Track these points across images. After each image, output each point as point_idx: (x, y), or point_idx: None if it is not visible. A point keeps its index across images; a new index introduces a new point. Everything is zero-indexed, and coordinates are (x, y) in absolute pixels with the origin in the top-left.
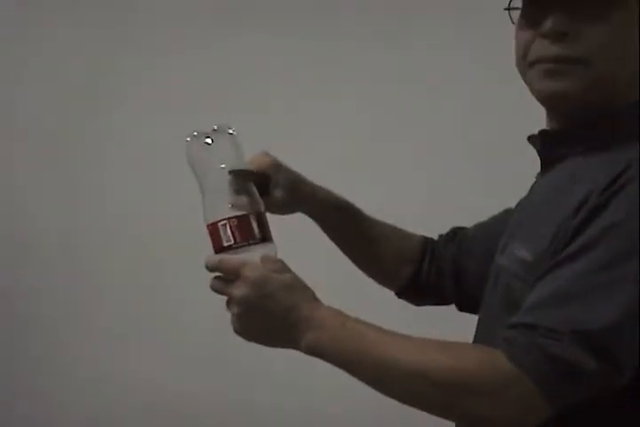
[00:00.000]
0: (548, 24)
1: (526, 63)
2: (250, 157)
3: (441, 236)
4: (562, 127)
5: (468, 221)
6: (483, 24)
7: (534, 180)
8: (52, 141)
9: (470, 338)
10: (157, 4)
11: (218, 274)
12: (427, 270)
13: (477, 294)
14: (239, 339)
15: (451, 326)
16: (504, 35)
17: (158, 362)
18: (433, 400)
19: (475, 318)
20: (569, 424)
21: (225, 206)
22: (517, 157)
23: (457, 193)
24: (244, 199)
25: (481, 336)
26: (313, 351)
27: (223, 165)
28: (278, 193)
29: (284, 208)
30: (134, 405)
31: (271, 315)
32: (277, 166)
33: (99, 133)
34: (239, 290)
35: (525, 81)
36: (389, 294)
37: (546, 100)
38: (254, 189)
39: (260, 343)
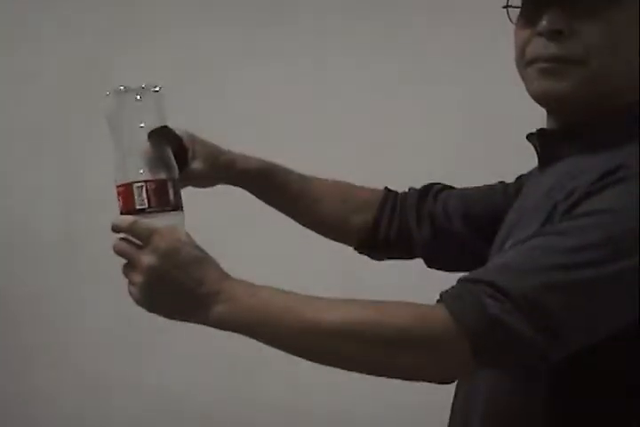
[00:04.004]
0: (543, 22)
1: (524, 62)
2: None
3: (411, 189)
4: (560, 127)
5: None
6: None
7: (532, 176)
8: (52, 141)
9: None
10: (157, 1)
11: (123, 235)
12: (387, 222)
13: (454, 253)
14: (238, 337)
15: None
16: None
17: (158, 363)
18: (359, 358)
19: None
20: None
21: (141, 168)
22: (520, 150)
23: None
24: (161, 163)
25: None
26: (222, 324)
27: (143, 125)
28: (197, 165)
29: (203, 181)
30: (134, 405)
31: (179, 287)
32: (193, 138)
33: (99, 133)
34: (148, 258)
35: (523, 80)
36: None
37: (541, 99)
38: (172, 155)
39: (163, 315)
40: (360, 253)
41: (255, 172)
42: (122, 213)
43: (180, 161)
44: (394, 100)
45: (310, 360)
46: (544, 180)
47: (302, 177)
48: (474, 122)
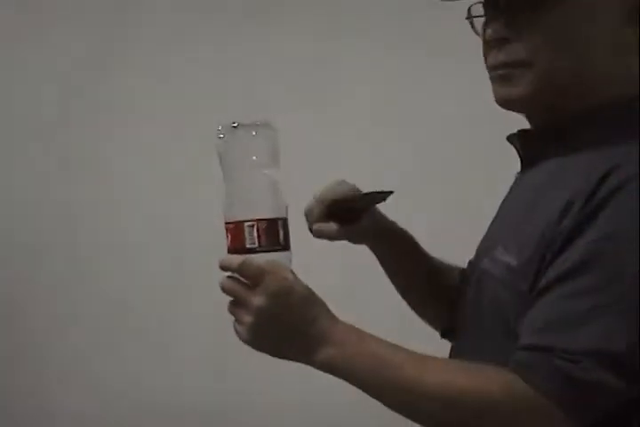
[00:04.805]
0: (488, 32)
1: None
2: (330, 185)
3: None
4: (536, 128)
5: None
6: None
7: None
8: (53, 141)
9: None
10: (158, 3)
11: (230, 274)
12: None
13: None
14: (237, 340)
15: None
16: None
17: (157, 363)
18: (451, 424)
19: None
20: None
21: (252, 206)
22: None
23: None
24: (273, 202)
25: (462, 344)
26: (327, 367)
27: (256, 160)
28: (365, 222)
29: (359, 237)
30: (132, 406)
31: (288, 328)
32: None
33: (99, 132)
34: (258, 299)
35: None
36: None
37: (503, 105)
38: (283, 195)
39: (269, 354)
40: (443, 338)
41: (393, 233)
42: (229, 251)
43: (353, 216)
44: (395, 99)
45: (399, 413)
46: (527, 182)
47: (427, 254)
48: (475, 122)
